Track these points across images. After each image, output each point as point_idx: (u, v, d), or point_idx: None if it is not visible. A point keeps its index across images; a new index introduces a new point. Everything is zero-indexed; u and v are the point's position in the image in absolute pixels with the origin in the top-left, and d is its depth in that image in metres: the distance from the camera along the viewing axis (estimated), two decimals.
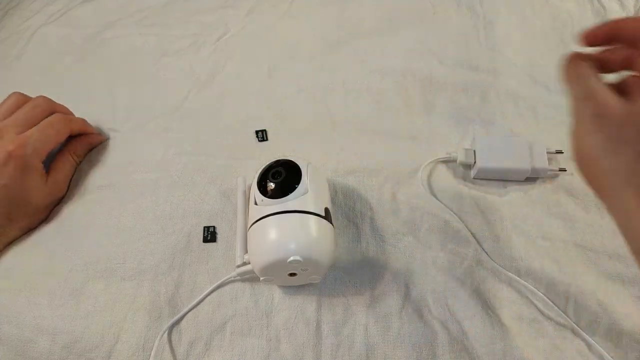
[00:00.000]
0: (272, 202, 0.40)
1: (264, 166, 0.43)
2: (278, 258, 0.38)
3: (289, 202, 0.40)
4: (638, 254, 0.31)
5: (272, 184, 0.41)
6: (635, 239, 0.31)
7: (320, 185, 0.43)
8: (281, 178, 0.41)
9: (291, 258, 0.38)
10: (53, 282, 0.46)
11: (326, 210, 0.41)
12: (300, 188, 0.40)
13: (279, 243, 0.39)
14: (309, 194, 0.40)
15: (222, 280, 0.45)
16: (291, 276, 0.41)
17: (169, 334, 0.43)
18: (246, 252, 0.43)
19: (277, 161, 0.43)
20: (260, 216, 0.40)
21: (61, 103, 0.54)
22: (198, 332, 0.43)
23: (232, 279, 0.45)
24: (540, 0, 0.67)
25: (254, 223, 0.40)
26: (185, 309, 0.44)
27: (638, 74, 0.34)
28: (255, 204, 0.41)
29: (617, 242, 0.46)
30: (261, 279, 0.42)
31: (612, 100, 0.31)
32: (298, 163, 0.42)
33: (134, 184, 0.52)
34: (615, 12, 0.64)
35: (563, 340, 0.43)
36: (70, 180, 0.53)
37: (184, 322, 0.44)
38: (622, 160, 0.30)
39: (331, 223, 0.41)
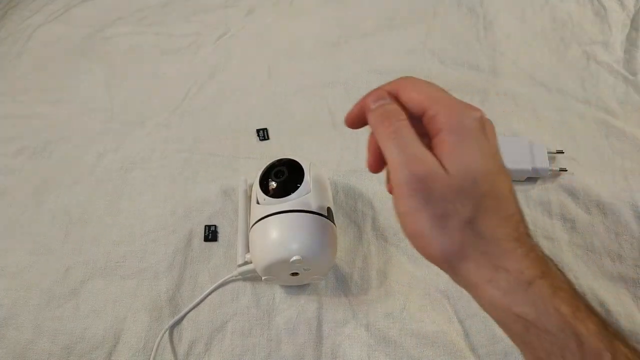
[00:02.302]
0: (274, 201, 0.40)
1: (266, 165, 0.43)
2: (280, 257, 0.38)
3: (292, 201, 0.40)
4: (502, 325, 0.29)
5: (274, 183, 0.41)
6: (491, 312, 0.29)
7: (323, 185, 0.43)
8: (283, 177, 0.41)
9: (294, 258, 0.37)
10: (52, 281, 0.46)
11: (328, 209, 0.41)
12: (302, 187, 0.40)
13: (282, 242, 0.38)
14: (311, 193, 0.40)
15: (223, 279, 0.45)
16: (293, 276, 0.41)
17: (170, 334, 0.43)
18: (247, 251, 0.43)
19: (280, 160, 0.43)
20: (263, 215, 0.40)
21: (61, 102, 0.54)
22: (199, 331, 0.43)
23: (234, 278, 0.45)
24: (540, 0, 0.67)
25: (256, 222, 0.40)
26: (186, 309, 0.44)
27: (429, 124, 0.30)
28: (258, 203, 0.41)
29: (618, 243, 0.47)
30: (263, 278, 0.41)
31: (432, 166, 0.28)
32: (300, 162, 0.42)
33: (134, 182, 0.52)
34: (615, 11, 0.65)
35: None
36: None
37: (184, 321, 0.44)
38: (452, 235, 0.28)
39: (333, 223, 0.41)
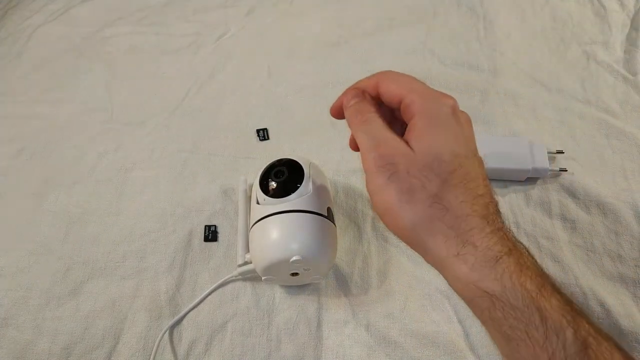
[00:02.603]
0: (274, 201, 0.40)
1: (265, 165, 0.43)
2: (280, 258, 0.38)
3: (292, 201, 0.40)
4: (469, 302, 0.30)
5: (274, 183, 0.41)
6: (458, 288, 0.30)
7: (323, 185, 0.43)
8: (284, 177, 0.41)
9: (294, 258, 0.37)
10: (51, 281, 0.46)
11: (328, 209, 0.41)
12: (302, 188, 0.40)
13: (282, 243, 0.38)
14: (311, 193, 0.40)
15: (223, 279, 0.45)
16: (293, 276, 0.41)
17: (170, 334, 0.43)
18: (247, 251, 0.43)
19: (280, 160, 0.43)
20: (263, 215, 0.40)
21: (61, 102, 0.54)
22: (199, 331, 0.43)
23: (234, 278, 0.45)
24: (540, 0, 0.67)
25: (256, 222, 0.40)
26: (186, 309, 0.44)
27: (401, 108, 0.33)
28: (258, 203, 0.41)
29: (618, 243, 0.47)
30: (263, 278, 0.41)
31: (397, 146, 0.30)
32: (300, 162, 0.42)
33: (134, 182, 0.52)
34: (615, 11, 0.65)
35: None
36: None
37: (184, 321, 0.44)
38: (419, 208, 0.29)
39: (333, 223, 0.41)
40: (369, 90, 0.35)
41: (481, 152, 0.49)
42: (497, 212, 0.31)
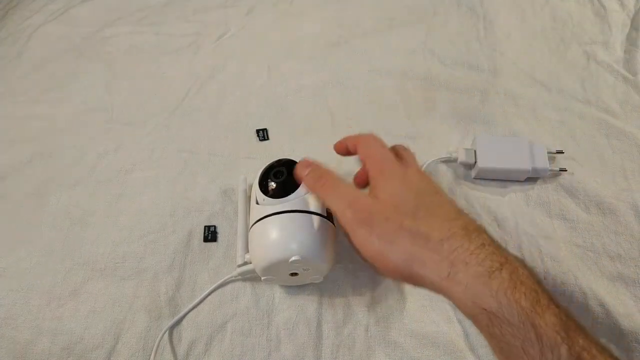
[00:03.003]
0: (273, 201, 0.40)
1: (265, 166, 0.43)
2: (280, 258, 0.38)
3: (291, 201, 0.40)
4: (471, 319, 0.31)
5: (273, 183, 0.41)
6: (460, 307, 0.31)
7: None
8: (283, 178, 0.41)
9: (293, 258, 0.37)
10: (52, 282, 0.46)
11: (328, 210, 0.41)
12: (302, 188, 0.40)
13: (281, 243, 0.38)
14: (310, 193, 0.40)
15: (222, 280, 0.45)
16: (292, 276, 0.41)
17: (170, 334, 0.43)
18: (247, 251, 0.43)
19: (279, 161, 0.43)
20: (262, 216, 0.40)
21: (61, 101, 0.53)
22: (198, 331, 0.43)
23: (233, 278, 0.45)
24: (540, 0, 0.67)
25: (255, 222, 0.40)
26: (185, 310, 0.44)
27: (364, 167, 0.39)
28: (257, 203, 0.41)
29: (618, 243, 0.47)
30: (262, 278, 0.41)
31: (367, 200, 0.35)
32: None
33: (134, 182, 0.52)
34: (616, 11, 0.65)
35: None
36: None
37: (184, 321, 0.44)
38: (403, 244, 0.32)
39: (333, 223, 0.41)
40: (350, 148, 0.41)
41: (481, 152, 0.49)
42: (479, 229, 0.33)
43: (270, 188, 0.41)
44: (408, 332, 0.43)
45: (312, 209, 0.39)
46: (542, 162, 0.49)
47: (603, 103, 0.56)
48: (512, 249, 0.46)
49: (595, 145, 0.53)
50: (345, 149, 0.42)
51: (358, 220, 0.34)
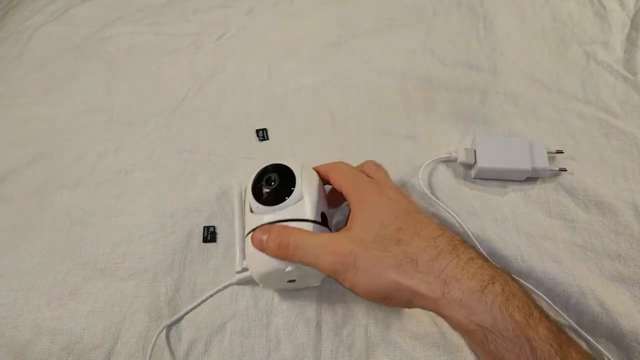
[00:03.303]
0: (267, 209, 0.40)
1: (258, 170, 0.42)
2: (275, 268, 0.38)
3: (284, 210, 0.39)
4: (466, 336, 0.33)
5: (266, 190, 0.40)
6: (455, 325, 0.32)
7: (316, 189, 0.41)
8: (275, 185, 0.40)
9: (288, 268, 0.38)
10: (52, 282, 0.46)
11: (323, 215, 0.41)
12: (295, 194, 0.39)
13: (273, 258, 0.38)
14: (304, 199, 0.40)
15: (221, 286, 0.45)
16: (290, 282, 0.41)
17: (167, 333, 0.43)
18: (245, 257, 0.43)
19: (271, 165, 0.42)
20: (256, 226, 0.39)
21: (61, 102, 0.53)
22: (198, 332, 0.43)
23: (232, 284, 0.45)
24: (540, 0, 0.67)
25: (250, 232, 0.40)
26: (183, 311, 0.44)
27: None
28: (251, 211, 0.41)
29: (618, 243, 0.47)
30: (260, 285, 0.42)
31: (340, 238, 0.35)
32: (291, 167, 0.41)
33: (134, 183, 0.52)
34: (615, 11, 0.64)
35: None
36: None
37: (183, 322, 0.44)
38: (394, 269, 0.32)
39: (328, 228, 0.41)
40: (322, 175, 0.42)
41: (481, 152, 0.49)
42: (464, 243, 0.34)
43: (263, 195, 0.40)
44: (407, 332, 0.43)
45: (306, 216, 0.39)
46: (542, 162, 0.49)
47: (603, 103, 0.56)
48: (511, 249, 0.46)
49: (595, 145, 0.53)
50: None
51: (341, 264, 0.34)
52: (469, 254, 0.32)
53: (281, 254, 0.37)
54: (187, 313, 0.44)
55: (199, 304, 0.44)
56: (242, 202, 0.47)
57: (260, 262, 0.39)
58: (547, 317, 0.30)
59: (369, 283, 0.33)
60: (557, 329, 0.30)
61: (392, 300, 0.33)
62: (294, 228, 0.37)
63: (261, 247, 0.38)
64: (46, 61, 0.65)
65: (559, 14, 0.65)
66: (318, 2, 0.70)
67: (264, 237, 0.37)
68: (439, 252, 0.32)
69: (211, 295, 0.45)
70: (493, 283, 0.30)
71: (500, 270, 0.32)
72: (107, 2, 0.72)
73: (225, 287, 0.45)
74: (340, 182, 0.40)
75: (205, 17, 0.69)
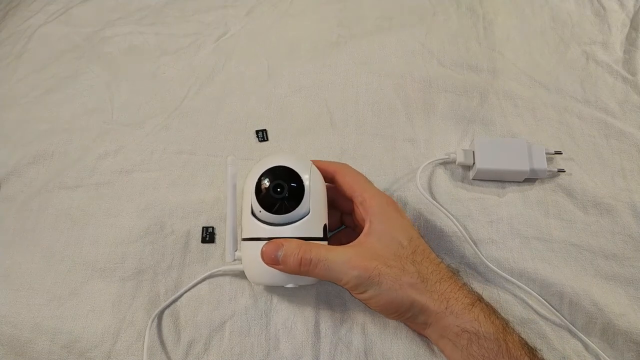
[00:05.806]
0: (270, 217, 0.39)
1: (263, 166, 0.40)
2: (274, 283, 0.40)
3: (289, 226, 0.39)
4: (453, 341, 0.37)
5: (272, 196, 0.38)
6: (443, 332, 0.37)
7: (321, 198, 0.41)
8: (282, 194, 0.38)
9: (289, 285, 0.40)
10: (52, 282, 0.46)
11: (324, 227, 0.41)
12: (302, 206, 0.39)
13: (276, 271, 0.39)
14: (310, 215, 0.39)
15: (213, 270, 0.46)
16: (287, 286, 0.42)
17: (168, 334, 0.43)
18: (237, 248, 0.42)
19: (279, 168, 0.39)
20: (258, 236, 0.39)
21: (61, 102, 0.53)
22: (197, 331, 0.44)
23: (223, 272, 0.46)
24: (540, 0, 0.67)
25: (249, 239, 0.40)
26: (178, 294, 0.45)
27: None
28: (252, 213, 0.40)
29: (614, 242, 0.47)
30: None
31: (363, 252, 0.38)
32: (300, 173, 0.39)
33: (133, 183, 0.52)
34: (615, 11, 0.64)
35: (560, 341, 0.43)
36: None
37: (183, 321, 0.44)
38: (410, 286, 0.37)
39: (327, 239, 0.41)
40: (323, 173, 0.42)
41: (479, 153, 0.49)
42: (456, 272, 0.40)
43: (268, 202, 0.38)
44: (405, 330, 0.43)
45: (311, 233, 0.39)
46: (541, 163, 0.49)
47: (602, 103, 0.56)
48: (510, 249, 0.46)
49: (594, 145, 0.53)
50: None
51: (366, 279, 0.36)
52: (461, 281, 0.39)
53: (302, 271, 0.37)
54: (182, 295, 0.45)
55: (193, 286, 0.46)
56: (235, 187, 0.42)
57: (259, 276, 0.40)
58: (518, 333, 0.37)
59: (389, 298, 0.37)
60: (527, 344, 0.37)
61: (403, 314, 0.38)
62: (313, 243, 0.38)
63: (274, 262, 0.38)
64: (46, 61, 0.65)
65: (559, 14, 0.65)
66: (318, 2, 0.70)
67: (279, 254, 0.37)
68: (442, 276, 0.38)
69: (205, 278, 0.46)
70: (480, 301, 0.38)
71: (480, 295, 0.39)
72: (107, 2, 0.72)
73: (215, 274, 0.46)
74: (354, 189, 0.41)
75: (205, 17, 0.69)
